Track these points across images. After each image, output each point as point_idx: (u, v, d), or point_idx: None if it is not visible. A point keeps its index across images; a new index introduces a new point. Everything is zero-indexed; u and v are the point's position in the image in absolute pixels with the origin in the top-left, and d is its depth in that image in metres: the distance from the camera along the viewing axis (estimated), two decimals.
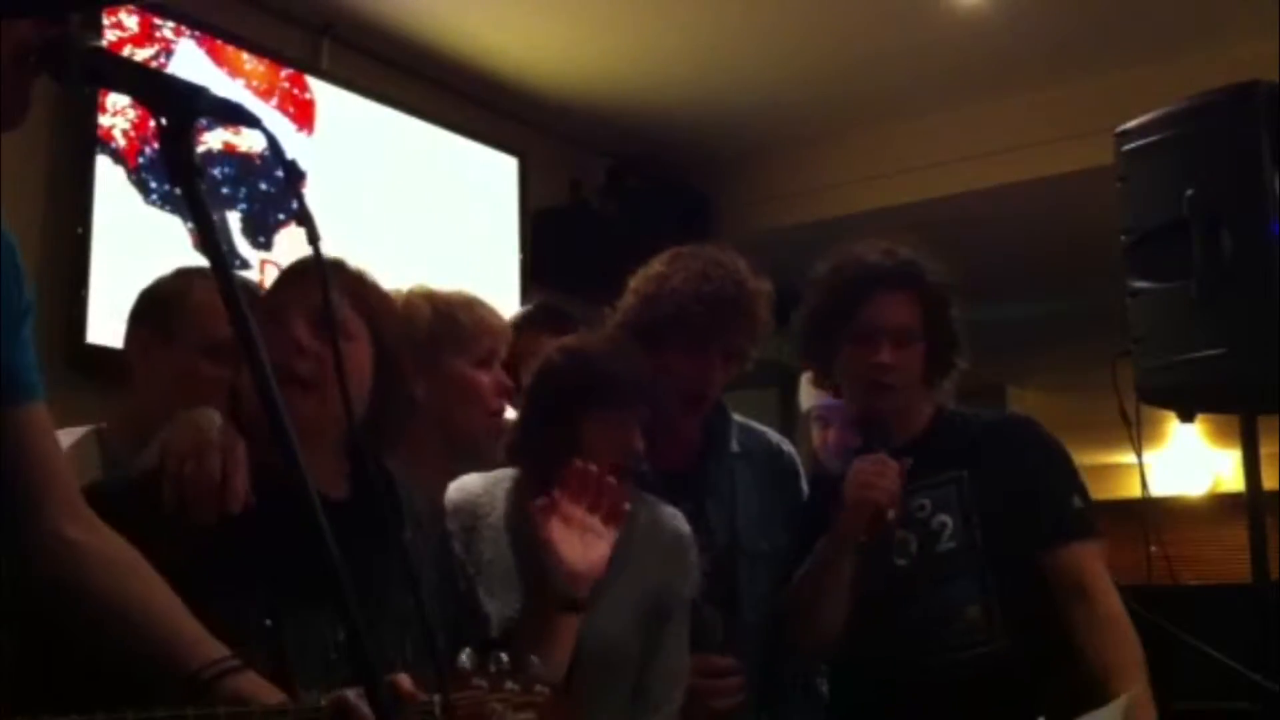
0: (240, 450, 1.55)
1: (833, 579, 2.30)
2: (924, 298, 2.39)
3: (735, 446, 2.47)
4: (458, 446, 1.98)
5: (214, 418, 1.60)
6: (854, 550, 2.29)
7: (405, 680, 1.29)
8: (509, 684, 1.38)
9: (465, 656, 1.35)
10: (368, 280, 1.73)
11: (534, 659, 1.42)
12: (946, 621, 2.28)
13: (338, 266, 1.71)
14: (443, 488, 2.00)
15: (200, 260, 2.06)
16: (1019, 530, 2.29)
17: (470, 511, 2.10)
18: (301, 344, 1.60)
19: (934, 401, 2.48)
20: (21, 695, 1.26)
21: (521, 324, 2.63)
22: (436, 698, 1.31)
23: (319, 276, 1.19)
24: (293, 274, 1.72)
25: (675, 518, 2.22)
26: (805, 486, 2.58)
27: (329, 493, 1.57)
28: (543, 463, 2.07)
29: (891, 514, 2.24)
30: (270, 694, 1.30)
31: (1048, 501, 2.33)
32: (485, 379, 1.95)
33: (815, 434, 3.24)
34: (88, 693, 1.21)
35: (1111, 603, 2.26)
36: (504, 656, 1.39)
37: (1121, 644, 2.20)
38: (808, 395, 3.33)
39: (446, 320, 1.94)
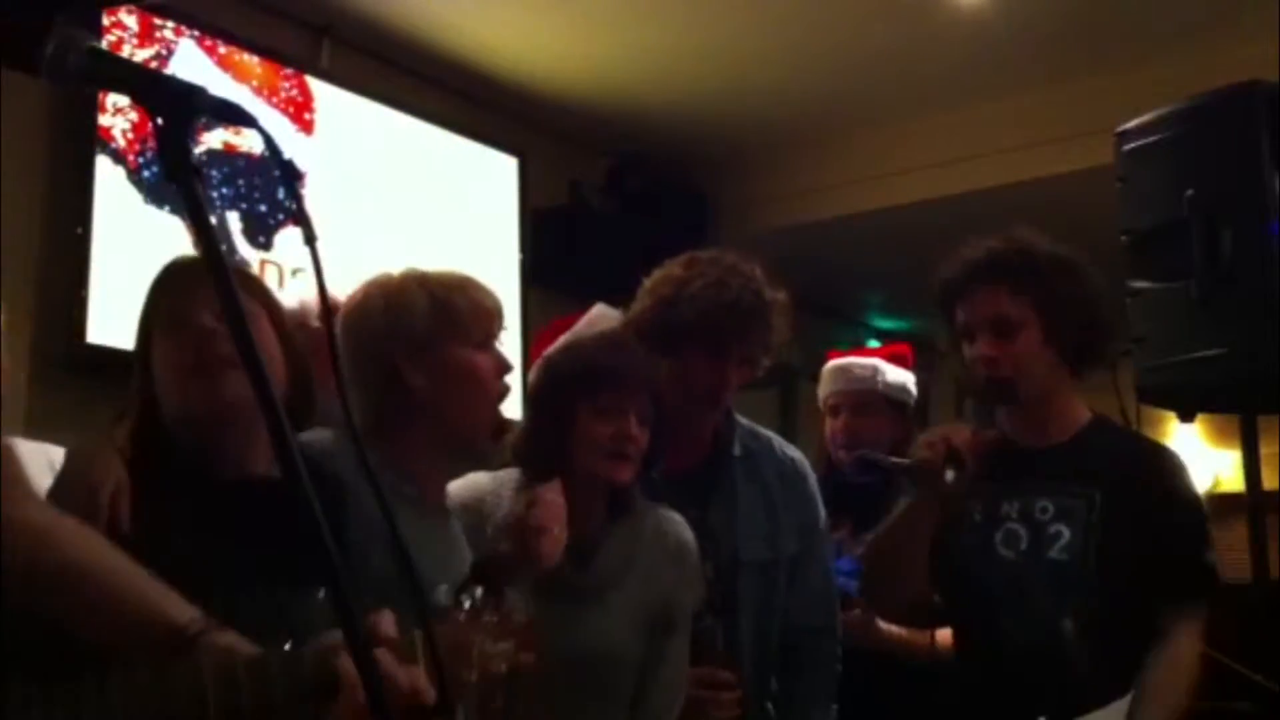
0: (111, 481, 1.55)
1: (905, 535, 2.31)
2: (1025, 285, 2.30)
3: (738, 450, 2.46)
4: (458, 438, 1.96)
5: (92, 452, 1.60)
6: (926, 508, 2.29)
7: (387, 620, 1.30)
8: (487, 616, 1.39)
9: (443, 593, 1.37)
10: (247, 269, 1.76)
11: (510, 592, 1.43)
12: (1041, 625, 2.24)
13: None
14: (439, 483, 1.99)
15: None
16: (1141, 568, 2.24)
17: (477, 510, 2.10)
18: (210, 328, 1.60)
19: (1090, 409, 2.41)
20: None
21: None
22: (417, 633, 1.31)
23: (316, 275, 1.18)
24: (181, 274, 1.71)
25: (681, 526, 2.22)
26: (816, 492, 2.54)
27: (266, 471, 1.59)
28: (544, 459, 2.07)
29: (951, 474, 2.21)
30: (248, 650, 1.32)
31: (1180, 553, 2.27)
32: (485, 361, 1.94)
33: (826, 424, 3.24)
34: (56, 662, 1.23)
35: (1190, 659, 2.23)
36: (479, 591, 1.40)
37: (1173, 688, 2.18)
38: (820, 386, 3.32)
39: (443, 306, 1.92)
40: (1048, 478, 2.30)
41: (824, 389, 3.29)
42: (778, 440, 2.58)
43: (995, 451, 2.32)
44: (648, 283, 2.42)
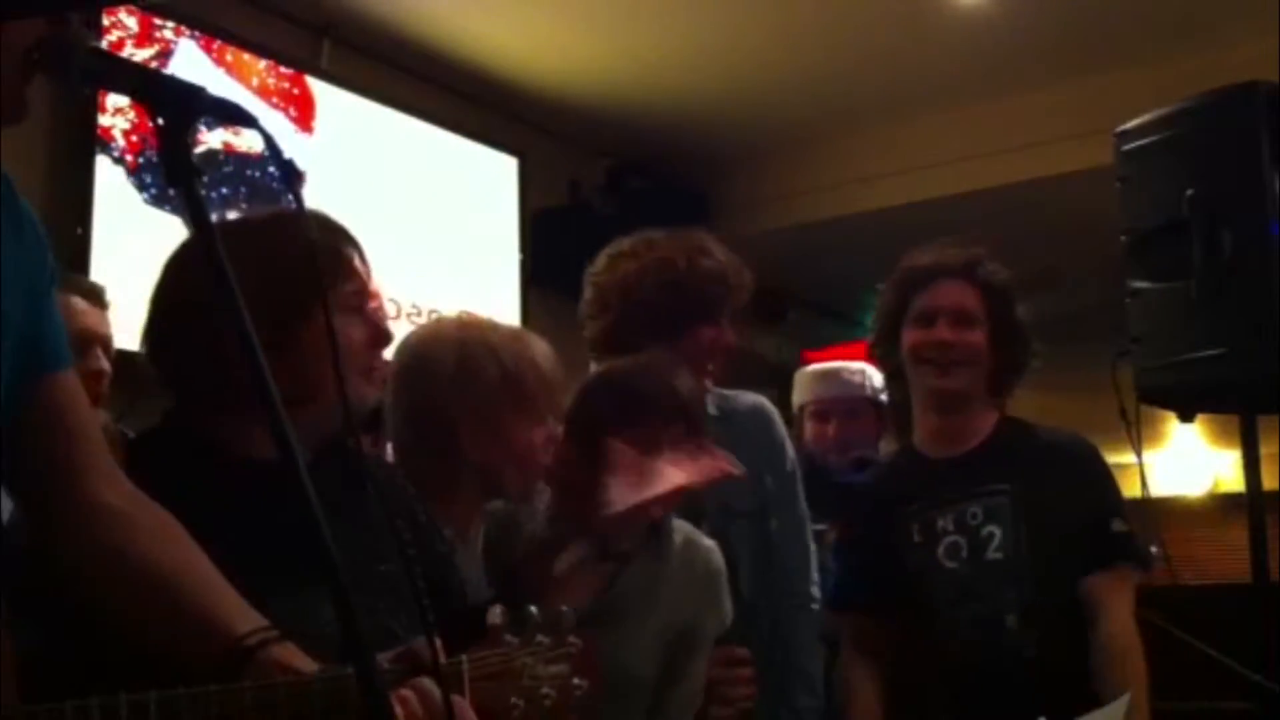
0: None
1: None
2: (985, 290, 2.46)
3: (714, 410, 2.47)
4: (500, 496, 2.01)
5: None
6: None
7: (422, 648, 1.27)
8: (540, 638, 1.36)
9: (496, 613, 1.34)
10: None
11: (565, 610, 1.40)
12: (990, 626, 2.35)
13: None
14: (472, 524, 2.00)
15: None
16: (1063, 549, 2.35)
17: (510, 516, 2.10)
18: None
19: (1000, 410, 2.53)
20: (43, 677, 1.24)
21: None
22: (464, 657, 1.30)
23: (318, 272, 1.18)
24: (338, 253, 1.77)
25: (712, 552, 2.16)
26: (784, 436, 2.66)
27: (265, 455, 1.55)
28: (576, 484, 2.05)
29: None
30: (306, 664, 1.28)
31: (1091, 525, 2.38)
32: (540, 436, 1.96)
33: (809, 428, 3.25)
34: (114, 670, 1.20)
35: (1124, 630, 2.30)
36: (534, 610, 1.37)
37: (1126, 677, 2.23)
38: (801, 390, 3.34)
39: (513, 382, 1.92)
40: (972, 483, 2.41)
41: (808, 394, 3.32)
42: (746, 395, 2.67)
43: (914, 469, 2.49)
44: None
